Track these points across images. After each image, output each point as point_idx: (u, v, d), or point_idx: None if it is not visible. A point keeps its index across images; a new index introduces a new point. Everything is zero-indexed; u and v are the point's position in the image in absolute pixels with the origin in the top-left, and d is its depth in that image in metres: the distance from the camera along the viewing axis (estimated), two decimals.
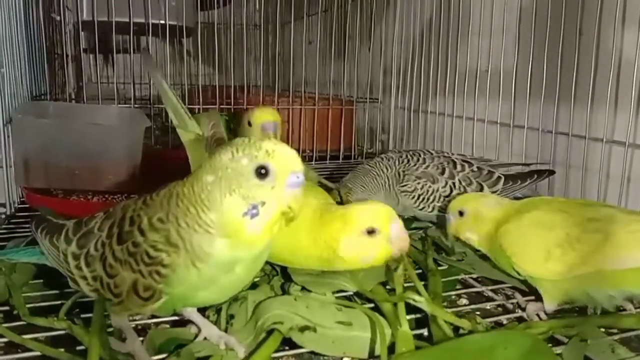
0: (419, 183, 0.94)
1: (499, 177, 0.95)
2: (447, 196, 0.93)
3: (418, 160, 0.97)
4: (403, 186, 0.95)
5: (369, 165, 0.99)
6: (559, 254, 0.64)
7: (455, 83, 1.34)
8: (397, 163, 0.97)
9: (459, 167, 0.95)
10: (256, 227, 0.48)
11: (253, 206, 0.48)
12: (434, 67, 1.42)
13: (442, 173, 0.95)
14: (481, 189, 0.94)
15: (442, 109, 1.40)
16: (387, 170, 0.97)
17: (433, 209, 0.94)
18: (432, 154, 0.99)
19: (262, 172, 0.47)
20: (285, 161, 0.48)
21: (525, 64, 1.12)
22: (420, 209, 0.95)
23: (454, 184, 0.94)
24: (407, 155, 0.98)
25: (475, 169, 0.96)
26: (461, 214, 0.76)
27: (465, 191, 0.93)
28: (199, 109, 1.58)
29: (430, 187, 0.94)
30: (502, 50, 1.18)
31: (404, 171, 0.96)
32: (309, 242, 0.63)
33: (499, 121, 1.21)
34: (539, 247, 0.65)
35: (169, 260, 0.49)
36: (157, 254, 0.49)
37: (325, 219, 0.63)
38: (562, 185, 1.04)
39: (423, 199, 0.94)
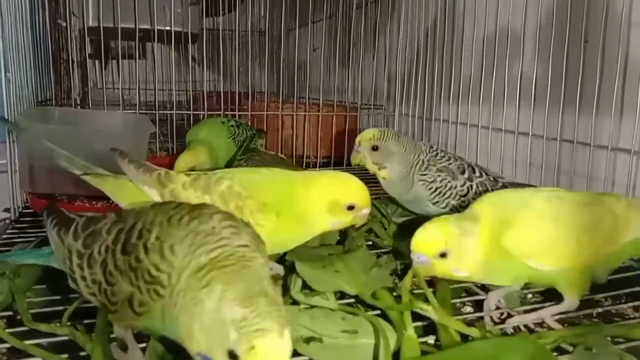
0: (439, 176, 0.93)
1: None
2: (463, 196, 0.93)
3: (444, 155, 0.96)
4: (423, 175, 0.93)
5: (412, 142, 0.96)
6: (586, 240, 0.64)
7: (459, 90, 1.34)
8: (427, 150, 0.96)
9: (477, 173, 0.95)
10: None
11: (205, 357, 0.42)
12: (438, 74, 1.42)
13: (463, 173, 0.94)
14: None
15: (447, 116, 1.40)
16: (418, 155, 0.95)
17: (447, 205, 0.94)
18: (452, 154, 0.99)
19: (232, 355, 0.40)
20: None
21: (531, 72, 1.12)
22: (434, 203, 0.94)
23: (471, 186, 0.93)
24: (436, 148, 0.98)
25: (492, 179, 0.96)
26: (444, 255, 0.64)
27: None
28: (203, 115, 1.58)
29: (449, 182, 0.93)
30: (506, 58, 1.18)
31: (428, 160, 0.94)
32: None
33: (503, 128, 1.21)
34: (561, 239, 0.64)
35: (166, 284, 0.47)
36: (158, 274, 0.47)
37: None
38: None
39: (440, 192, 0.93)
